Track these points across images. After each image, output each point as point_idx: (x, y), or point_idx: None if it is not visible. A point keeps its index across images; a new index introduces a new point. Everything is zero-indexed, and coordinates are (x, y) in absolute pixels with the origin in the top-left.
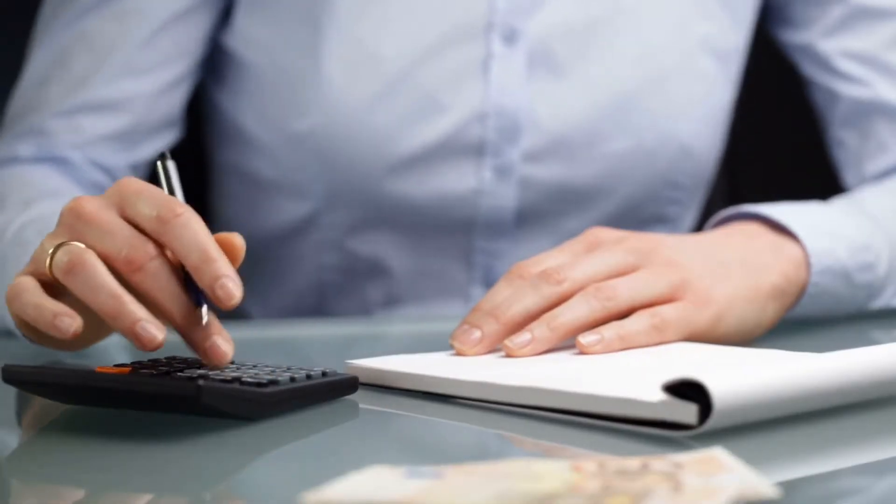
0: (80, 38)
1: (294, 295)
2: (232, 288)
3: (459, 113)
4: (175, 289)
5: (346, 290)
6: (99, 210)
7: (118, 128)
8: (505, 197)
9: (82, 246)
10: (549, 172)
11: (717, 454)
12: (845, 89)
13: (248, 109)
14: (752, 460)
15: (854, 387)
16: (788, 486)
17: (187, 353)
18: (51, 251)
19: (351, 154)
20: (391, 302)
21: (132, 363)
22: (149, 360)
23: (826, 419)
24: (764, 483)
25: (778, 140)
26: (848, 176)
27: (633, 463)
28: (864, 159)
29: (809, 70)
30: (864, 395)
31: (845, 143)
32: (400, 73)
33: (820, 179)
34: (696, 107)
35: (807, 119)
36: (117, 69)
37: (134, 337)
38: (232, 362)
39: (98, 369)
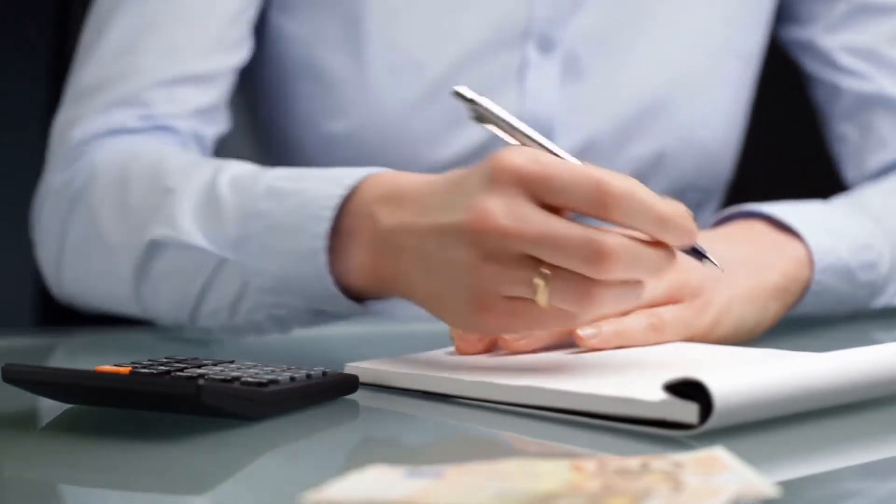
0: (170, 7)
1: None
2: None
3: None
4: None
5: None
6: (525, 222)
7: (209, 101)
8: None
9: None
10: None
11: (718, 453)
12: (847, 83)
13: (281, 107)
14: (752, 460)
15: (854, 387)
16: (788, 486)
17: (187, 353)
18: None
19: (386, 158)
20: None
21: (132, 363)
22: (148, 360)
23: (826, 419)
24: (764, 483)
25: (778, 140)
26: (848, 171)
27: (633, 462)
28: (865, 154)
29: (811, 66)
30: (864, 395)
31: (846, 137)
32: (439, 78)
33: (820, 179)
34: (722, 110)
35: (807, 119)
36: (210, 42)
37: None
38: (231, 361)
39: (98, 369)
